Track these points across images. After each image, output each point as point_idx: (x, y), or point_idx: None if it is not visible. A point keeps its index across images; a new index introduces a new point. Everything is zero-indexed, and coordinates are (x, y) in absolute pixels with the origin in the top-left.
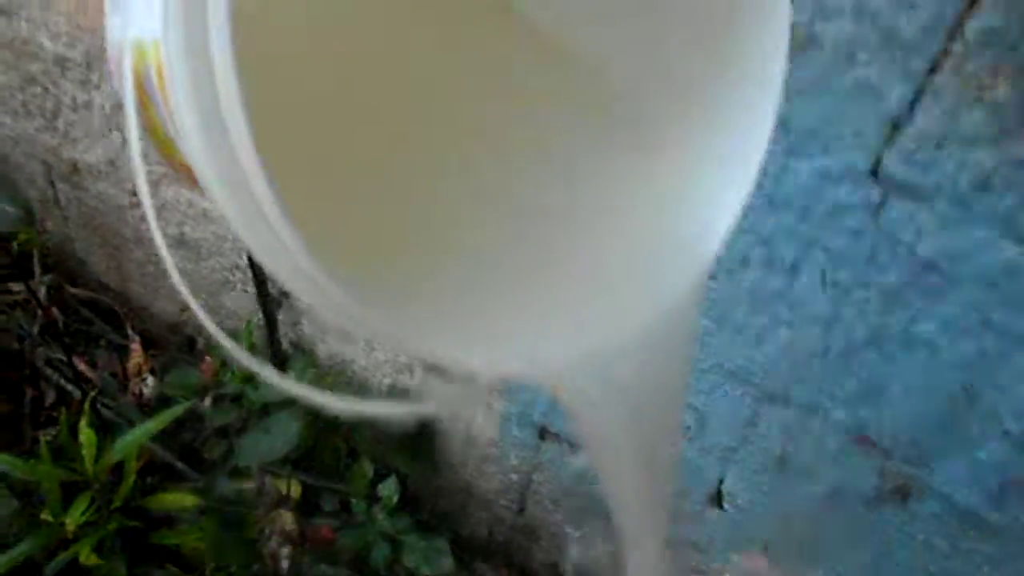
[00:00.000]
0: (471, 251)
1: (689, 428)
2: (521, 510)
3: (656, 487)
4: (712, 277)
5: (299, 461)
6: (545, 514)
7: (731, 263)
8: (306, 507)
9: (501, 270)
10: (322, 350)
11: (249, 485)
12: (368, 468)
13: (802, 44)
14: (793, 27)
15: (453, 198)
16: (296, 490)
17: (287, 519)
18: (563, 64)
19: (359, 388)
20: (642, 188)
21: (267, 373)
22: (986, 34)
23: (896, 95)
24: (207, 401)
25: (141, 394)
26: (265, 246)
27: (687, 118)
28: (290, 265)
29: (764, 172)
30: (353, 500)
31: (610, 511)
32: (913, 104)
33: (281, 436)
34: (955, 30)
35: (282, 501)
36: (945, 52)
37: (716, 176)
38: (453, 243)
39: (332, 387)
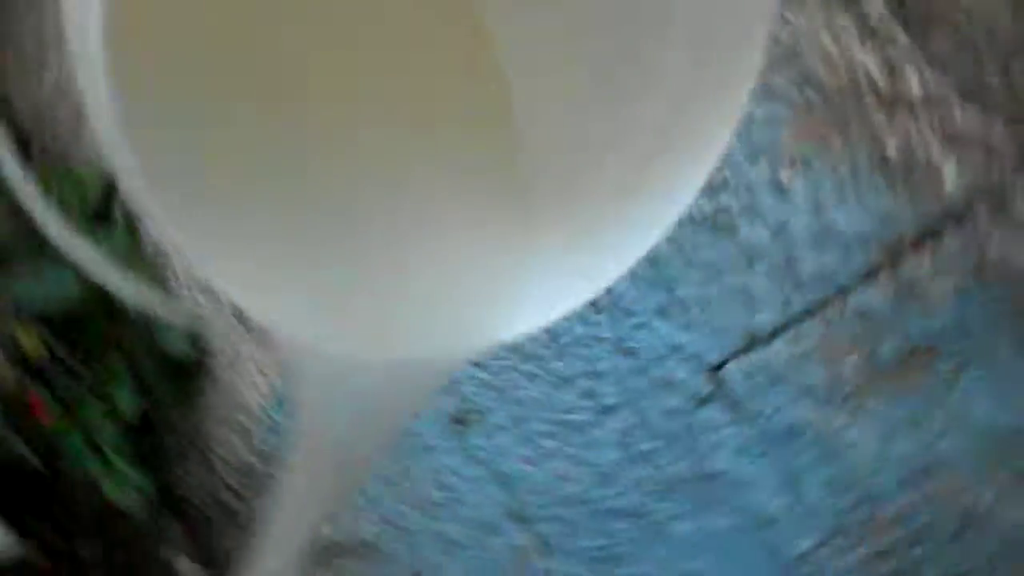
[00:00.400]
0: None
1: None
2: (239, 498)
3: (322, 505)
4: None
5: (56, 325)
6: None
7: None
8: (34, 374)
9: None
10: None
11: None
12: (124, 374)
13: (712, 224)
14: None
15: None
16: (36, 349)
17: (4, 371)
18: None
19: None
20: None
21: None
22: (861, 311)
23: (766, 315)
24: None
25: None
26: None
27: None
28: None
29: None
30: (86, 395)
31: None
32: (776, 333)
33: (57, 290)
34: (843, 293)
35: (11, 351)
36: (824, 303)
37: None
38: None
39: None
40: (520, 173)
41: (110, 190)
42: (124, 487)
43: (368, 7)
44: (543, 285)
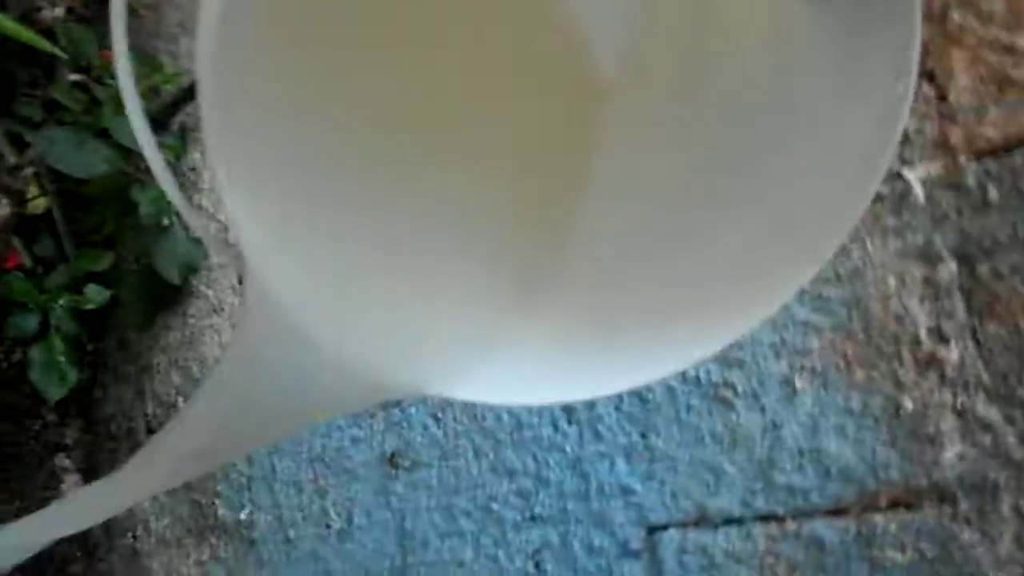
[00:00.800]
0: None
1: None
2: (153, 433)
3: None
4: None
5: (67, 196)
6: None
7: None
8: (29, 230)
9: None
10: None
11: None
12: (107, 264)
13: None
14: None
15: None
16: (38, 206)
17: (3, 203)
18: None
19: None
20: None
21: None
22: (814, 540)
23: (724, 501)
24: None
25: None
26: None
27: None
28: None
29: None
30: (64, 269)
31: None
32: (727, 522)
33: (98, 157)
34: (804, 516)
35: (18, 199)
36: (783, 516)
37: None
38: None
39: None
40: (568, 253)
41: (181, 99)
42: (50, 375)
43: (493, 53)
44: (549, 365)
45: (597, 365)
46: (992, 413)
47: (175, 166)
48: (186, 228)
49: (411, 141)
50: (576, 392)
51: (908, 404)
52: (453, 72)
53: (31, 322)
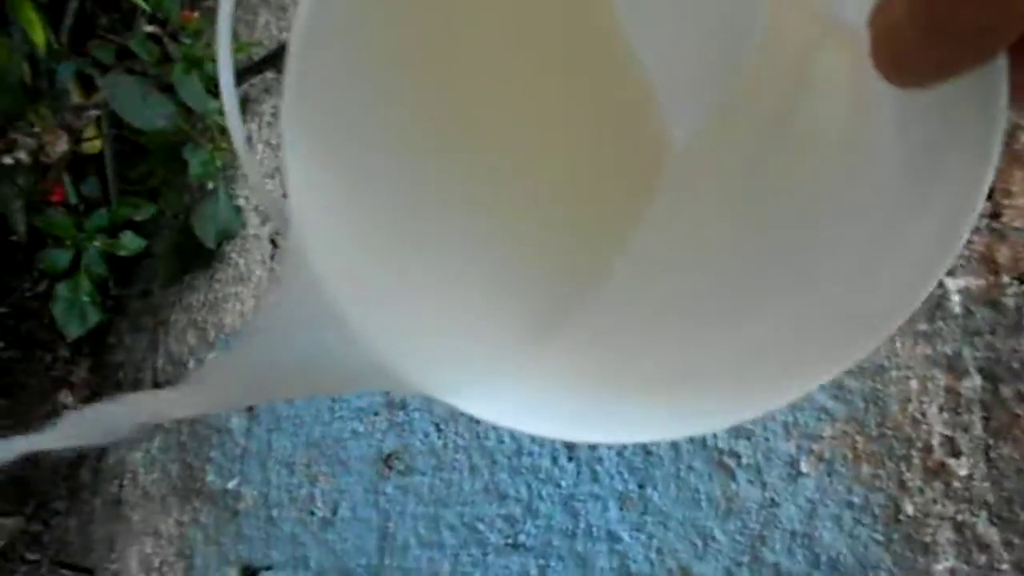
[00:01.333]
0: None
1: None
2: (159, 388)
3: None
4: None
5: (124, 142)
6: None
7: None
8: (79, 169)
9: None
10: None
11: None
12: (147, 213)
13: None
14: None
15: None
16: (95, 146)
17: (63, 139)
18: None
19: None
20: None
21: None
22: None
23: (708, 568)
24: None
25: None
26: None
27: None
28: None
29: None
30: (104, 213)
31: None
32: None
33: (160, 111)
34: None
35: (76, 138)
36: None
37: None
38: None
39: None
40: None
41: (249, 69)
42: (72, 312)
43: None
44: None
45: (600, 412)
46: (992, 534)
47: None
48: (230, 195)
49: (478, 151)
50: (572, 432)
51: (909, 508)
52: (530, 106)
53: (63, 258)
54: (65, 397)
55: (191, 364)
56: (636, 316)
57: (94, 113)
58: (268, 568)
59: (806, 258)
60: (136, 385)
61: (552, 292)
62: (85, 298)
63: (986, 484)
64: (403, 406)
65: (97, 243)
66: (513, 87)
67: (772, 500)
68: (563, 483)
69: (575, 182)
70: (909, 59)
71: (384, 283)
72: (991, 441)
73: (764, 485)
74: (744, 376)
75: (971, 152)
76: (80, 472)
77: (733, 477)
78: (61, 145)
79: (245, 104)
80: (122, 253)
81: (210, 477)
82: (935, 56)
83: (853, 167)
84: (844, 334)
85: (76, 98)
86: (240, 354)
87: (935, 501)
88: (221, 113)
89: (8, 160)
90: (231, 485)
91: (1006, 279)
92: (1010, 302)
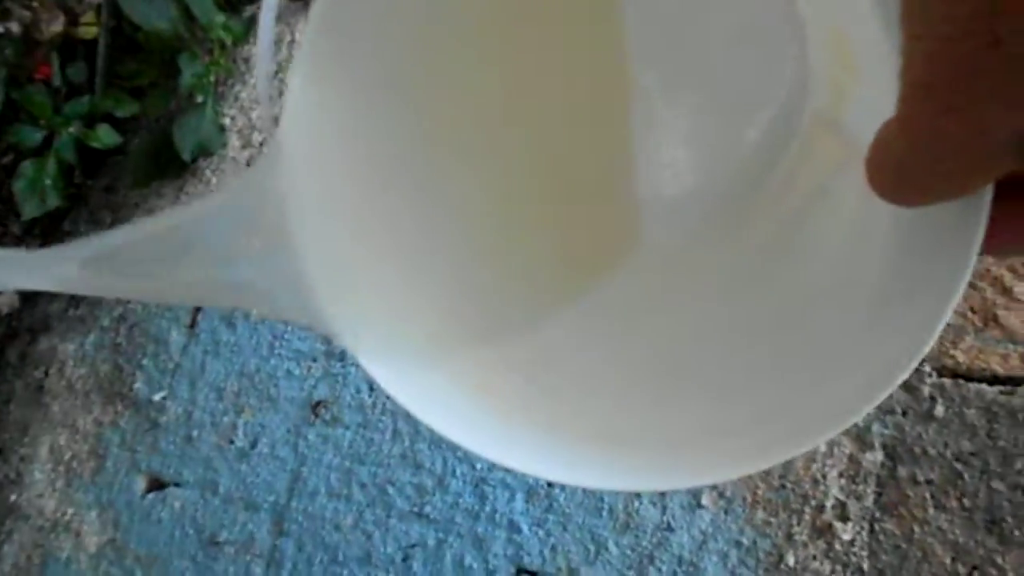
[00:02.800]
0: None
1: None
2: None
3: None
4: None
5: (118, 35)
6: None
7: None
8: (69, 52)
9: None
10: None
11: None
12: (127, 108)
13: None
14: None
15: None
16: (89, 32)
17: (59, 19)
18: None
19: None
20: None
21: None
22: None
23: None
24: None
25: None
26: None
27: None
28: None
29: None
30: (87, 99)
31: None
32: None
33: (164, 12)
34: None
35: (72, 20)
36: None
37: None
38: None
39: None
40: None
41: None
42: (33, 192)
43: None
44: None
45: (520, 438)
46: None
47: (232, 50)
48: (216, 111)
49: (472, 154)
50: (471, 441)
51: (791, 559)
52: (525, 131)
53: (35, 136)
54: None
55: None
56: (587, 358)
57: (95, 0)
58: (177, 485)
59: (780, 342)
60: None
61: (504, 309)
62: (48, 181)
63: (864, 553)
64: (341, 358)
65: (72, 129)
66: (517, 106)
67: (668, 524)
68: (478, 465)
69: (545, 220)
70: (903, 187)
71: (346, 233)
72: (878, 514)
73: (664, 509)
74: (696, 441)
75: (949, 262)
76: (8, 351)
77: (638, 495)
78: (56, 25)
79: (251, 25)
80: (95, 144)
81: (138, 384)
82: (927, 185)
83: (846, 271)
84: (806, 419)
85: None
86: (153, 236)
87: (815, 558)
88: (225, 29)
89: None
90: (157, 397)
91: (927, 368)
92: (926, 391)
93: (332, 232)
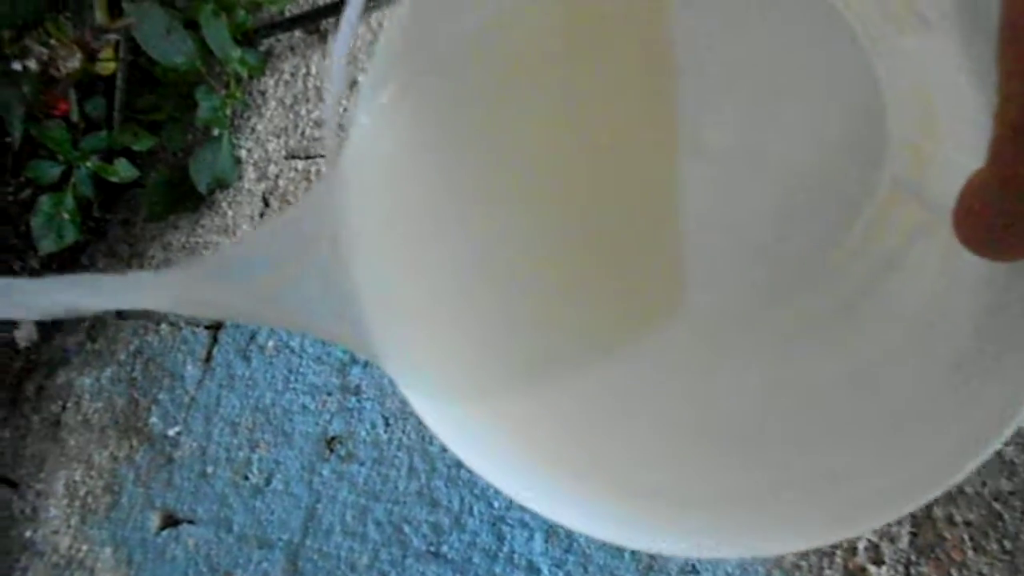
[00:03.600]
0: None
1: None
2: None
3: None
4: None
5: (137, 70)
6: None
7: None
8: (87, 88)
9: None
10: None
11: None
12: (145, 143)
13: None
14: None
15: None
16: (107, 68)
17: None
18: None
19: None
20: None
21: None
22: None
23: None
24: None
25: None
26: None
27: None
28: None
29: None
30: (106, 135)
31: None
32: None
33: (181, 47)
34: None
35: (90, 56)
36: None
37: None
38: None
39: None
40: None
41: (278, 24)
42: (51, 227)
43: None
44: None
45: (560, 491)
46: None
47: (248, 83)
48: (232, 144)
49: (535, 189)
50: (514, 489)
51: None
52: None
53: (53, 171)
54: (19, 333)
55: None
56: (639, 411)
57: (114, 37)
58: (191, 522)
59: (852, 406)
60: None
61: (551, 347)
62: (66, 215)
63: None
64: (356, 392)
65: (90, 164)
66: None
67: (693, 567)
68: (496, 504)
69: (600, 268)
70: (995, 237)
71: (404, 261)
72: (914, 556)
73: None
74: (745, 511)
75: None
76: (26, 385)
77: None
78: (73, 62)
79: (267, 59)
80: (113, 179)
81: (153, 419)
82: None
83: (926, 333)
84: (885, 487)
85: (100, 18)
86: (217, 261)
87: None
88: (241, 63)
89: (17, 66)
90: (172, 432)
91: None
92: None
93: (386, 261)
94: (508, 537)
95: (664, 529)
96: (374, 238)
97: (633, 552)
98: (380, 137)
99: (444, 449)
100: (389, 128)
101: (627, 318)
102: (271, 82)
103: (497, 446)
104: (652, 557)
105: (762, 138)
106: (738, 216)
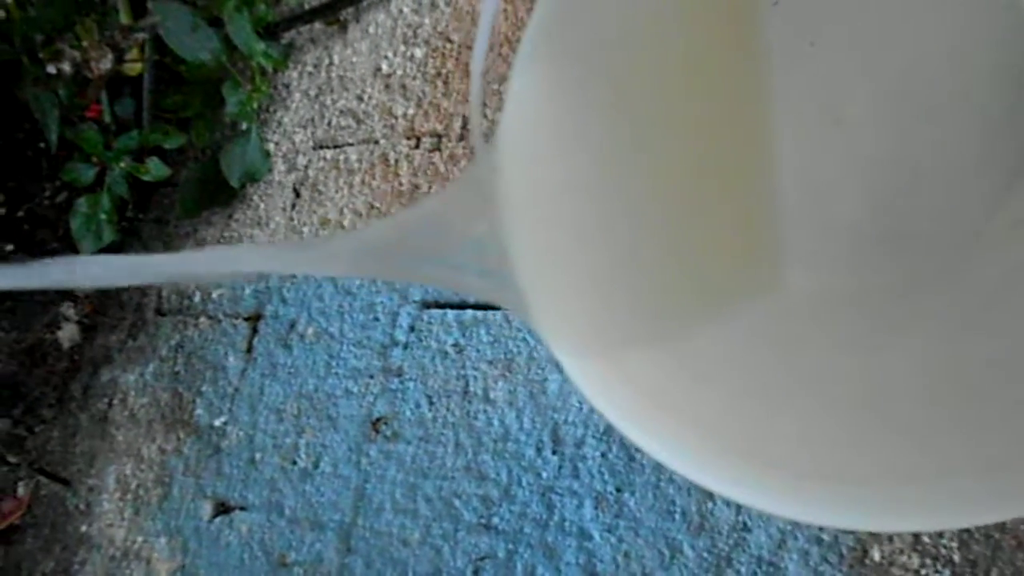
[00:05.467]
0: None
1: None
2: (160, 316)
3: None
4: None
5: (164, 69)
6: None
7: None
8: (116, 89)
9: None
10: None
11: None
12: (175, 140)
13: None
14: None
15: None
16: (135, 69)
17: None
18: None
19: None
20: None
21: None
22: None
23: None
24: None
25: None
26: None
27: None
28: None
29: None
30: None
31: None
32: None
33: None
34: None
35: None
36: None
37: None
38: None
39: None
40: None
41: (299, 17)
42: (89, 228)
43: None
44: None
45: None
46: None
47: (273, 77)
48: (261, 138)
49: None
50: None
51: (876, 555)
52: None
53: (88, 174)
54: (67, 309)
55: (196, 297)
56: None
57: (140, 36)
58: (243, 508)
59: (1007, 393)
60: (138, 309)
61: (666, 304)
62: (103, 216)
63: (954, 544)
64: (399, 373)
65: (123, 164)
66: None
67: (744, 524)
68: (544, 474)
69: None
70: None
71: (561, 228)
72: None
73: (739, 509)
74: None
75: None
76: (72, 385)
77: (710, 496)
78: (105, 62)
79: (289, 51)
80: (146, 178)
81: (199, 411)
82: None
83: None
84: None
85: (124, 18)
86: (380, 230)
87: (902, 552)
88: (266, 56)
89: (51, 69)
90: (218, 422)
91: None
92: None
93: (539, 227)
94: (558, 506)
95: (835, 503)
96: (529, 204)
97: (684, 513)
98: (532, 105)
99: (490, 423)
100: (542, 97)
101: (728, 285)
102: (295, 74)
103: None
104: (703, 517)
105: (903, 112)
106: (894, 199)
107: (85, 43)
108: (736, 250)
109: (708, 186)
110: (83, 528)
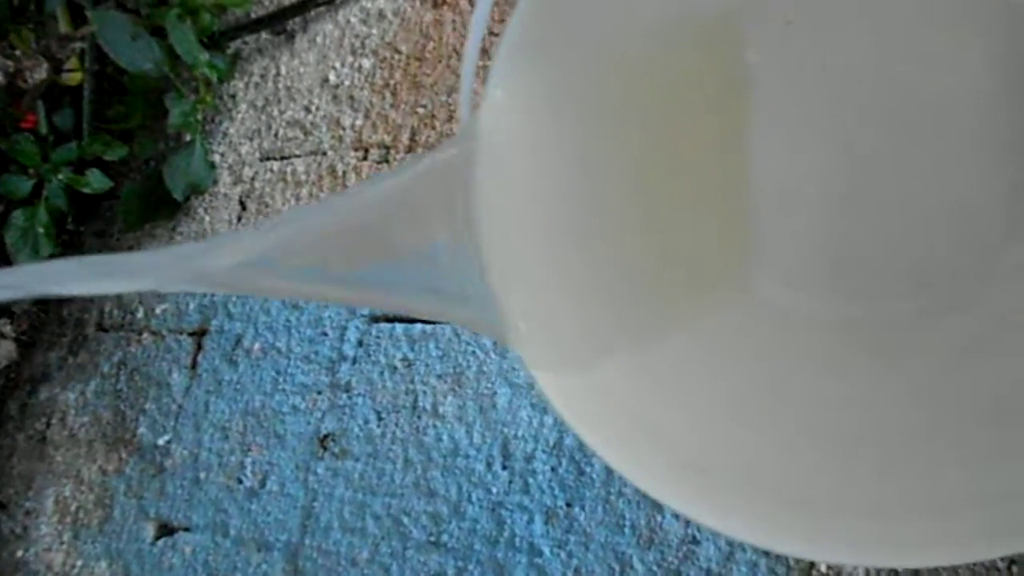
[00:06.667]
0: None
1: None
2: (102, 330)
3: None
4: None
5: (105, 78)
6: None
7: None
8: (55, 99)
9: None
10: None
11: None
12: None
13: None
14: None
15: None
16: (75, 79)
17: (42, 67)
18: None
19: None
20: None
21: None
22: None
23: None
24: None
25: None
26: None
27: None
28: None
29: None
30: (74, 146)
31: None
32: None
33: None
34: None
35: (56, 67)
36: None
37: None
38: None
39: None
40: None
41: (243, 27)
42: (25, 242)
43: None
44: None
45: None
46: None
47: (218, 87)
48: (206, 149)
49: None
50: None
51: (823, 566)
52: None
53: (25, 186)
54: (3, 326)
55: (139, 312)
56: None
57: (79, 45)
58: (186, 529)
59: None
60: (79, 325)
61: (636, 317)
62: (40, 229)
63: None
64: (347, 388)
65: (61, 176)
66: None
67: (694, 537)
68: (494, 489)
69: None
70: None
71: (522, 232)
72: None
73: (688, 522)
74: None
75: None
76: (8, 404)
77: (660, 509)
78: (40, 72)
79: (235, 61)
80: (86, 190)
81: (142, 429)
82: None
83: None
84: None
85: (63, 27)
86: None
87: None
88: (210, 66)
89: None
90: (161, 441)
91: None
92: None
93: (510, 229)
94: (508, 522)
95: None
96: (505, 214)
97: (634, 527)
98: (512, 113)
99: (439, 439)
100: (522, 106)
101: (690, 291)
102: (240, 85)
103: (644, 450)
104: (652, 531)
105: (913, 136)
106: (896, 224)
107: (19, 52)
108: (715, 260)
109: (686, 195)
110: (19, 553)
